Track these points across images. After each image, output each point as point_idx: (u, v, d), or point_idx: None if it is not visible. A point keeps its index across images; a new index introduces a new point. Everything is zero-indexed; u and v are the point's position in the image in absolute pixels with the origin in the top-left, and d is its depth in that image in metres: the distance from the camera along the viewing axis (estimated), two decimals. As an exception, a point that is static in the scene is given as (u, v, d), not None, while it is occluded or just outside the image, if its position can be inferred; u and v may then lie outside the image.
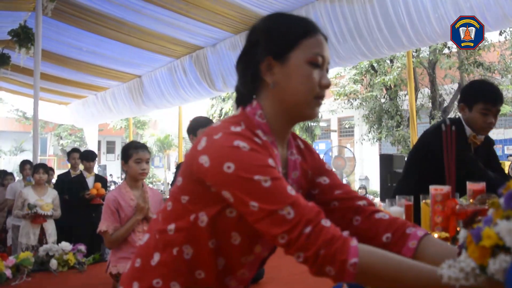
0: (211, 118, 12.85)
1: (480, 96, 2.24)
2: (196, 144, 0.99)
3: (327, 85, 1.03)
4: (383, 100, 12.05)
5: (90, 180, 5.07)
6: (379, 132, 12.04)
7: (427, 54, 10.71)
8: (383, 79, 11.00)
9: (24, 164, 5.55)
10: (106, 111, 10.72)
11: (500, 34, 9.66)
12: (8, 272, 3.45)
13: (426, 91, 11.66)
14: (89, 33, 6.57)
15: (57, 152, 25.39)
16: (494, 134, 13.08)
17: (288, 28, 1.02)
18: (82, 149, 5.73)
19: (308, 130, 14.00)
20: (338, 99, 12.93)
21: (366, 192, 9.94)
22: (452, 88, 11.09)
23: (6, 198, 5.27)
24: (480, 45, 9.85)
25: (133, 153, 2.70)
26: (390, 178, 5.89)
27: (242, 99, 1.06)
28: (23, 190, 4.47)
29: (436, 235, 1.30)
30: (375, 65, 11.54)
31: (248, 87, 1.04)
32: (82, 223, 4.79)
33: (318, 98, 1.02)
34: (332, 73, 13.98)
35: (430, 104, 11.28)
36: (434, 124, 2.53)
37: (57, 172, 6.29)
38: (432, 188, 1.45)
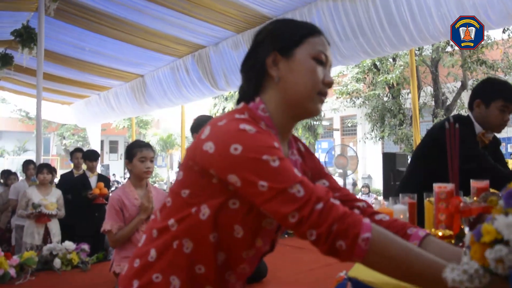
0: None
1: (500, 93, 2.25)
2: (199, 135, 0.99)
3: (331, 83, 1.05)
4: (385, 99, 12.03)
5: (93, 180, 5.08)
6: (381, 131, 12.02)
7: (430, 53, 10.68)
8: (386, 78, 10.97)
9: (27, 164, 5.56)
10: (109, 110, 10.74)
11: (504, 32, 9.62)
12: (12, 271, 3.47)
13: (429, 89, 11.62)
14: (91, 33, 6.58)
15: (60, 152, 25.45)
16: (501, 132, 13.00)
17: (294, 27, 1.06)
18: (85, 149, 5.73)
19: (310, 129, 13.99)
20: (340, 97, 12.91)
21: (369, 191, 9.94)
22: (455, 87, 11.06)
23: (10, 198, 5.28)
24: (483, 43, 9.82)
25: (137, 152, 2.70)
26: (393, 177, 5.89)
27: (244, 99, 1.07)
28: (27, 190, 4.48)
29: (440, 233, 1.30)
30: (377, 63, 11.51)
31: (254, 84, 1.06)
32: (85, 222, 4.81)
33: (321, 94, 1.04)
34: (334, 71, 13.96)
35: (433, 103, 11.24)
36: (441, 121, 2.52)
37: (61, 172, 6.30)
38: (436, 186, 1.45)
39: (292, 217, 0.87)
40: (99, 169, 6.10)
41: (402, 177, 3.07)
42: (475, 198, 1.38)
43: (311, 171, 1.16)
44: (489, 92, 2.31)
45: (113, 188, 8.57)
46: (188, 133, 5.22)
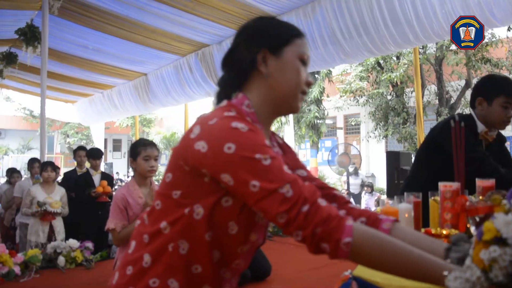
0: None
1: (502, 89, 2.23)
2: (187, 134, 1.00)
3: (311, 83, 1.13)
4: (389, 97, 11.99)
5: (96, 178, 5.09)
6: (385, 129, 11.98)
7: (434, 51, 10.64)
8: (390, 76, 10.94)
9: (32, 162, 5.58)
10: (113, 109, 10.76)
11: (508, 30, 9.55)
12: (17, 269, 3.48)
13: (433, 88, 11.58)
14: (95, 31, 6.59)
15: (64, 150, 25.53)
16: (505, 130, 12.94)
17: (283, 26, 1.11)
18: (88, 147, 5.75)
19: (314, 127, 13.96)
20: (344, 96, 12.88)
21: (373, 190, 9.90)
22: (459, 85, 11.02)
23: (14, 196, 5.30)
24: (488, 41, 9.77)
25: (142, 150, 2.70)
26: (397, 175, 5.87)
27: (225, 94, 1.09)
28: (31, 188, 4.50)
29: (445, 232, 1.29)
30: (381, 62, 11.48)
31: (239, 79, 1.09)
32: (88, 220, 4.82)
33: (303, 93, 1.10)
34: (338, 70, 13.94)
35: (437, 101, 11.20)
36: (443, 120, 2.51)
37: (64, 170, 6.32)
38: (442, 185, 1.44)
39: (280, 217, 0.90)
40: (102, 167, 6.11)
41: (405, 177, 3.06)
42: (481, 197, 1.37)
43: (291, 162, 1.18)
44: (490, 89, 2.28)
45: (116, 187, 8.58)
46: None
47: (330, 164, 9.34)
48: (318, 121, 13.93)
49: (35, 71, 7.63)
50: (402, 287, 1.08)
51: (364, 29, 4.75)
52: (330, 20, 4.99)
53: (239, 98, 1.06)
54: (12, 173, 6.13)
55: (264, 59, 1.06)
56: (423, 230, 1.40)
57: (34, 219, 4.36)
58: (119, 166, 22.85)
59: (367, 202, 8.77)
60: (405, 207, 1.52)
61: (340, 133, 17.81)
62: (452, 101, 10.83)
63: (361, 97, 12.60)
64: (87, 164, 5.37)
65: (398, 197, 1.58)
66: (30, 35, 5.88)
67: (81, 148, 5.63)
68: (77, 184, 5.09)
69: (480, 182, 1.51)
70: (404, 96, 11.72)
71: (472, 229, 1.16)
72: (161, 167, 22.77)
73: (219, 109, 1.02)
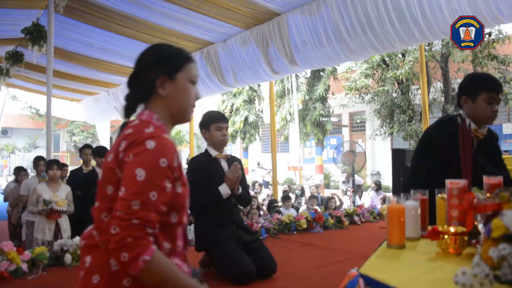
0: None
1: (483, 85, 2.30)
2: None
3: (199, 97, 1.43)
4: (395, 95, 11.94)
5: (102, 176, 5.11)
6: (391, 127, 11.94)
7: (440, 48, 10.58)
8: (395, 73, 10.89)
9: (38, 160, 5.60)
10: (118, 107, 10.80)
11: (515, 26, 9.48)
12: (24, 266, 3.51)
13: (439, 85, 11.52)
14: (100, 30, 6.61)
15: (69, 148, 25.66)
16: (509, 128, 12.87)
17: (176, 55, 1.37)
18: (94, 146, 5.76)
19: (319, 125, 13.92)
20: (349, 93, 12.84)
21: (380, 188, 9.85)
22: (465, 82, 10.95)
23: (21, 194, 5.33)
24: (494, 37, 9.70)
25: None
26: (402, 173, 5.84)
27: (131, 108, 1.35)
28: (37, 186, 4.51)
29: (452, 230, 1.29)
30: (386, 59, 11.43)
31: (143, 97, 1.35)
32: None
33: (193, 106, 1.40)
34: (343, 67, 13.90)
35: (442, 98, 11.15)
36: (437, 120, 2.53)
37: (71, 168, 6.35)
38: (448, 182, 1.43)
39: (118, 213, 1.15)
40: (108, 165, 6.10)
41: (406, 174, 3.08)
42: (488, 194, 1.36)
43: None
44: (472, 86, 2.34)
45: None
46: (196, 129, 5.22)
47: (335, 162, 9.31)
48: (323, 118, 13.89)
49: (41, 70, 7.66)
50: (411, 283, 1.08)
51: (369, 26, 4.73)
52: (335, 18, 4.98)
53: (148, 114, 1.31)
54: (19, 171, 6.17)
55: (162, 84, 1.32)
56: (430, 227, 1.40)
57: (40, 217, 4.38)
58: (125, 164, 22.90)
59: (373, 199, 8.74)
60: (411, 204, 1.51)
61: (346, 131, 17.77)
62: (458, 98, 10.76)
63: (367, 94, 12.55)
64: (93, 162, 5.39)
65: (404, 194, 1.57)
66: (36, 34, 5.91)
67: (87, 146, 5.64)
68: (83, 182, 5.11)
69: (487, 180, 1.49)
70: (409, 94, 11.66)
71: (480, 227, 1.15)
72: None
73: (141, 126, 1.26)
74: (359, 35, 4.88)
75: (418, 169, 2.52)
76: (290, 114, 13.39)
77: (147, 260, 1.09)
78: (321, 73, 13.79)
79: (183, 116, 1.38)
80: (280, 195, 8.48)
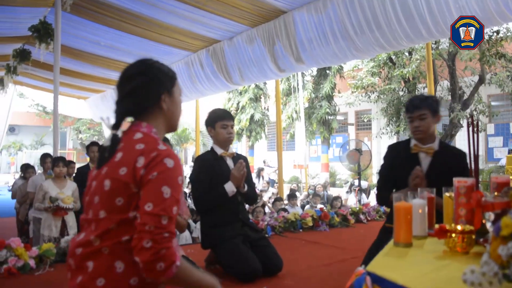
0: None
1: (406, 109, 2.76)
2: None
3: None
4: (401, 93, 11.86)
5: (109, 174, 5.13)
6: (397, 126, 11.87)
7: (447, 46, 10.49)
8: (402, 72, 10.82)
9: (45, 157, 5.63)
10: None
11: (524, 24, 9.39)
12: (32, 262, 3.54)
13: (446, 83, 11.44)
14: (107, 28, 6.63)
15: (76, 145, 25.79)
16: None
17: (169, 71, 1.52)
18: (101, 143, 5.79)
19: (325, 124, 13.89)
20: (355, 92, 12.78)
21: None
22: (472, 81, 10.85)
23: (28, 191, 5.36)
24: (502, 35, 9.61)
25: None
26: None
27: (122, 118, 1.43)
28: (43, 183, 4.54)
29: (459, 228, 1.28)
30: (393, 57, 11.36)
31: (140, 111, 1.44)
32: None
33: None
34: (349, 65, 13.84)
35: (449, 97, 11.06)
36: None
37: (77, 166, 6.39)
38: (456, 180, 1.43)
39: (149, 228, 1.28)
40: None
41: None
42: (495, 193, 1.35)
43: None
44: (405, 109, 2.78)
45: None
46: (202, 127, 5.22)
47: (341, 161, 9.29)
48: (329, 117, 13.86)
49: (48, 68, 7.70)
50: (417, 279, 1.07)
51: (376, 24, 4.70)
52: (341, 15, 4.95)
53: (146, 127, 1.41)
54: (26, 168, 6.21)
55: (164, 99, 1.45)
56: (437, 226, 1.39)
57: (47, 213, 4.41)
58: (131, 162, 22.97)
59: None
60: (419, 202, 1.51)
61: (352, 129, 17.71)
62: (465, 97, 10.68)
63: (373, 93, 12.48)
64: (100, 160, 5.41)
65: (411, 192, 1.57)
66: (43, 32, 5.93)
67: (94, 143, 5.67)
68: (89, 179, 5.14)
69: (495, 178, 1.49)
70: (416, 92, 11.58)
71: (488, 225, 1.15)
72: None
73: (152, 140, 1.37)
74: (365, 33, 4.86)
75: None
76: (296, 112, 13.36)
77: (178, 266, 1.25)
78: (327, 71, 13.74)
79: (175, 127, 1.54)
80: (287, 193, 8.48)
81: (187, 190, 7.97)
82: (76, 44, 7.50)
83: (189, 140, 22.37)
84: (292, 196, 7.67)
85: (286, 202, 7.52)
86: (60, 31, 5.45)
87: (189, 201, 7.05)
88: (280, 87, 8.67)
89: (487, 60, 9.64)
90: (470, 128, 1.55)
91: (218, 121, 3.32)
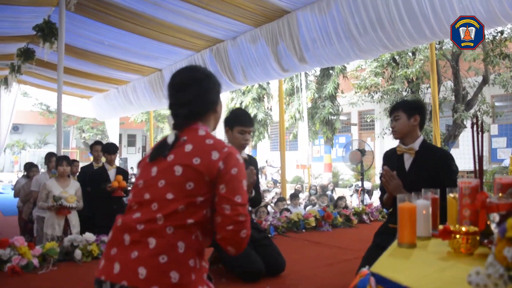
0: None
1: (390, 112, 2.88)
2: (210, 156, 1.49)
3: None
4: (404, 93, 11.83)
5: (111, 173, 5.14)
6: (400, 126, 11.84)
7: (450, 46, 10.46)
8: (405, 72, 10.79)
9: (50, 156, 5.64)
10: (127, 104, 10.84)
11: (528, 24, 9.34)
12: (35, 261, 3.55)
13: (449, 84, 11.40)
14: (110, 27, 6.64)
15: (79, 145, 25.83)
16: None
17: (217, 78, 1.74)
18: (103, 142, 5.80)
19: (328, 124, 13.88)
20: (358, 92, 12.76)
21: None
22: (476, 81, 10.81)
23: (32, 189, 5.38)
24: (507, 35, 9.57)
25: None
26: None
27: (188, 120, 1.57)
28: (47, 182, 4.56)
29: (464, 229, 1.28)
30: (396, 57, 11.33)
31: (201, 115, 1.60)
32: (103, 214, 4.87)
33: None
34: (352, 65, 13.81)
35: (453, 97, 11.02)
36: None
37: (81, 165, 6.40)
38: (460, 181, 1.42)
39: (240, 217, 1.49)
40: (117, 162, 6.16)
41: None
42: (500, 194, 1.35)
43: None
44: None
45: (131, 181, 8.62)
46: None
47: (344, 161, 9.28)
48: (332, 117, 13.84)
49: (52, 67, 7.73)
50: (419, 280, 1.07)
51: (379, 25, 4.69)
52: (345, 15, 4.95)
53: (204, 127, 1.58)
54: (30, 167, 6.23)
55: (219, 103, 1.68)
56: (441, 226, 1.39)
57: (50, 212, 4.42)
58: (134, 162, 23.03)
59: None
60: (423, 203, 1.51)
61: (355, 130, 17.68)
62: (469, 97, 10.64)
63: (376, 93, 12.46)
64: (103, 159, 5.43)
65: (416, 193, 1.56)
66: (47, 31, 5.95)
67: (97, 143, 5.68)
68: (93, 178, 5.15)
69: (499, 179, 1.48)
70: (419, 92, 11.54)
71: (493, 226, 1.14)
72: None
73: (215, 138, 1.54)
74: (369, 33, 4.85)
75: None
76: (299, 112, 13.36)
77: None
78: (331, 71, 13.73)
79: (216, 127, 1.72)
80: (290, 192, 8.48)
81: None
82: (80, 43, 7.51)
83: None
84: (294, 196, 7.67)
85: (288, 202, 7.52)
86: (64, 30, 5.46)
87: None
88: (283, 87, 8.66)
89: (491, 60, 9.60)
90: (474, 129, 1.55)
91: (237, 125, 3.21)
